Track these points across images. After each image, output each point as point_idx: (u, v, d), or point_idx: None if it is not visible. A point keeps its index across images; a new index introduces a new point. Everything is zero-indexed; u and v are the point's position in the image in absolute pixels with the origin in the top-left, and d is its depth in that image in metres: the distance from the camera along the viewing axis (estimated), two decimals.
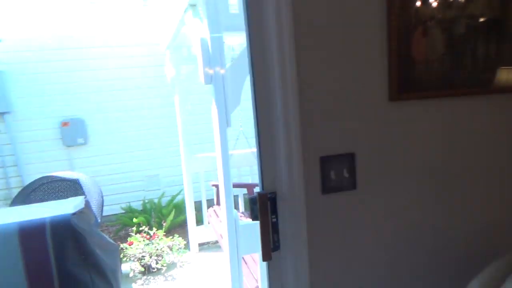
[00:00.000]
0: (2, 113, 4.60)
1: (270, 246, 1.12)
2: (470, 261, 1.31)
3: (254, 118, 1.10)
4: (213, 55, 2.18)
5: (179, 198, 4.93)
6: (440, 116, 1.22)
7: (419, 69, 1.17)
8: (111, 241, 2.14)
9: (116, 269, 1.94)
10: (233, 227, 2.22)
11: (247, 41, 1.07)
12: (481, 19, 1.22)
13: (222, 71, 2.18)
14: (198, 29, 2.29)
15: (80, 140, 4.87)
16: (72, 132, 4.83)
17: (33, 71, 4.66)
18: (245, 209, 4.18)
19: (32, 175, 4.69)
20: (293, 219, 1.12)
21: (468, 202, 1.30)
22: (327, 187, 1.14)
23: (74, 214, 1.74)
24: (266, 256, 1.12)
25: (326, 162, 1.13)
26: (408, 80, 1.15)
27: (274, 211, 1.14)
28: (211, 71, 2.16)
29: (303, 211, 1.12)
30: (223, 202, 2.40)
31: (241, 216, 3.91)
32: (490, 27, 1.23)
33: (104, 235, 2.15)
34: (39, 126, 4.75)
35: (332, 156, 1.13)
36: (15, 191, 4.31)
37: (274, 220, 1.14)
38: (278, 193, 1.13)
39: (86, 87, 4.84)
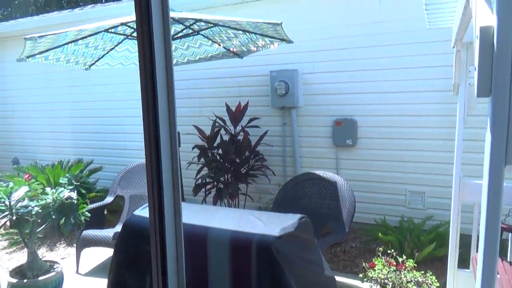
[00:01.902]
0: (290, 108, 5.12)
1: None
2: None
3: None
4: (498, 51, 1.43)
5: (446, 226, 4.09)
6: None
7: None
8: (327, 273, 1.85)
9: None
10: None
11: None
12: None
13: None
14: (481, 12, 1.57)
15: (349, 141, 4.82)
16: (342, 132, 4.85)
17: (315, 70, 4.93)
18: None
19: (304, 168, 5.05)
20: None
21: None
22: None
23: (278, 237, 1.57)
24: None
25: None
26: None
27: None
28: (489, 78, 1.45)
29: None
30: (480, 257, 1.67)
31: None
32: None
33: (323, 263, 1.88)
34: (315, 123, 5.03)
35: None
36: (287, 179, 4.76)
37: None
38: None
39: (360, 87, 4.70)
